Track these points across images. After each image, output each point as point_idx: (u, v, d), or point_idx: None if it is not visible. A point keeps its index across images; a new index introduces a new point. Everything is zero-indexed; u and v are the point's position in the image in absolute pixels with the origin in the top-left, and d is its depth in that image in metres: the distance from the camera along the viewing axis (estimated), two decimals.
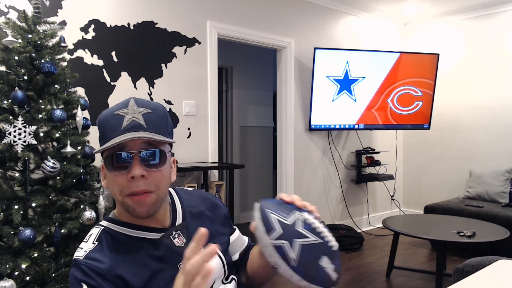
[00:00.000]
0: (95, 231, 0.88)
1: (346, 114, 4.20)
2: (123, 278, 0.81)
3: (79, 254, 0.83)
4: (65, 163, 2.04)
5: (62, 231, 1.98)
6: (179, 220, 0.96)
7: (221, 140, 4.96)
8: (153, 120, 0.85)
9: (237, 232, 1.11)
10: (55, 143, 2.10)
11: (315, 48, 3.94)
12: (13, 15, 2.46)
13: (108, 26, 2.91)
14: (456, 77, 4.73)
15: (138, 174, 0.81)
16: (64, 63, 2.22)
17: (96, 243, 0.85)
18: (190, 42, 3.34)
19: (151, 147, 0.84)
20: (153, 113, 0.86)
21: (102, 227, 0.89)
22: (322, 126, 4.15)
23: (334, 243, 0.82)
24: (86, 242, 0.86)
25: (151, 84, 3.13)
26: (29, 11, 2.10)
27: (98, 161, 2.68)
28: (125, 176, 0.82)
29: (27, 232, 1.84)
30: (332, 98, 4.12)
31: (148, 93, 3.11)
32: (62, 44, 2.16)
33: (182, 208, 0.99)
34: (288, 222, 0.82)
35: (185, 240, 0.94)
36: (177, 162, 1.03)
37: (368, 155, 4.67)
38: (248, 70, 5.08)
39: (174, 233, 0.92)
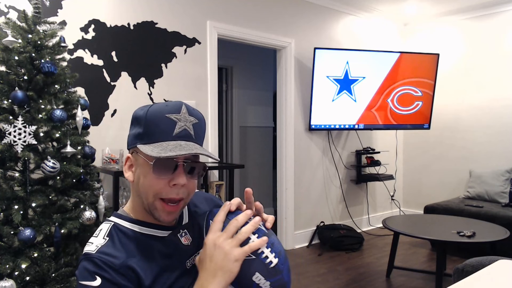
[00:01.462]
0: (105, 227, 0.88)
1: (346, 114, 4.20)
2: (135, 272, 0.81)
3: (91, 248, 0.83)
4: (65, 163, 2.04)
5: (62, 231, 1.98)
6: (185, 219, 0.97)
7: (221, 140, 4.96)
8: (198, 131, 0.88)
9: None
10: (55, 143, 2.10)
11: (315, 48, 3.94)
12: (13, 15, 2.46)
13: (108, 26, 2.91)
14: (456, 77, 4.73)
15: (182, 183, 0.84)
16: (64, 63, 2.22)
17: (107, 238, 0.85)
18: (190, 42, 3.34)
19: (196, 158, 0.87)
20: (199, 124, 0.89)
21: (112, 223, 0.89)
22: (322, 126, 4.15)
23: (272, 260, 0.81)
24: (96, 237, 0.86)
25: (151, 84, 3.13)
26: (29, 11, 2.10)
27: (98, 161, 2.68)
28: (166, 181, 0.84)
29: (27, 232, 1.84)
30: (332, 98, 4.12)
31: (148, 93, 3.11)
32: (62, 44, 2.16)
33: (188, 208, 1.00)
34: None
35: (191, 239, 0.95)
36: None
37: (368, 155, 4.67)
38: (248, 70, 5.08)
39: (181, 231, 0.94)
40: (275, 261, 0.81)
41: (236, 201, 0.90)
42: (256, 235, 0.83)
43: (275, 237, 0.86)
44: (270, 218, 0.89)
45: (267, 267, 0.80)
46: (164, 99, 3.19)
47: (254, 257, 0.81)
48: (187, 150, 0.81)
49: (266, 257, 0.81)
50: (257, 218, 0.85)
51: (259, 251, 0.81)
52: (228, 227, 0.83)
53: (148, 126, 0.84)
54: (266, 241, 0.82)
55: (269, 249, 0.82)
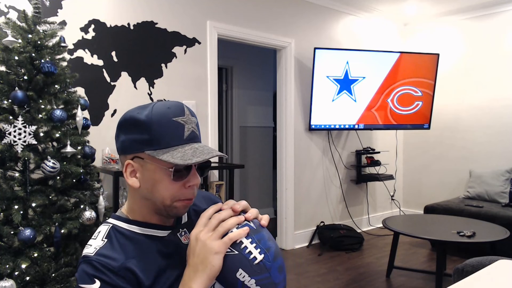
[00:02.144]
0: (103, 229, 0.88)
1: (346, 114, 4.20)
2: (134, 274, 0.81)
3: (89, 250, 0.82)
4: (65, 163, 2.04)
5: (62, 231, 1.98)
6: (184, 219, 0.97)
7: (221, 140, 4.96)
8: (199, 130, 0.90)
9: None
10: (55, 143, 2.10)
11: (315, 48, 3.94)
12: (13, 15, 2.46)
13: (108, 26, 2.91)
14: (456, 77, 4.73)
15: (198, 183, 0.86)
16: (64, 63, 2.22)
17: (106, 240, 0.85)
18: (190, 42, 3.34)
19: None
20: (198, 123, 0.90)
21: (111, 225, 0.89)
22: (322, 126, 4.15)
23: (256, 256, 0.78)
24: (95, 239, 0.86)
25: (151, 84, 3.13)
26: (29, 11, 2.10)
27: (98, 161, 2.68)
28: (182, 183, 0.85)
29: (27, 232, 1.84)
30: (332, 98, 4.12)
31: (148, 93, 3.11)
32: (62, 44, 2.16)
33: None
34: None
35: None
36: None
37: (368, 155, 4.67)
38: (248, 70, 5.08)
39: (181, 230, 0.94)
40: (259, 257, 0.78)
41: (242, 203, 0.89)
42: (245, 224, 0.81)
43: (267, 234, 0.83)
44: (265, 217, 0.88)
45: (251, 263, 0.77)
46: (164, 99, 3.19)
47: (236, 252, 0.78)
48: (208, 153, 0.83)
49: (250, 252, 0.78)
50: (243, 216, 0.84)
51: (242, 246, 0.78)
52: (211, 220, 0.82)
53: (155, 131, 0.83)
54: (246, 231, 0.79)
55: (254, 244, 0.79)
